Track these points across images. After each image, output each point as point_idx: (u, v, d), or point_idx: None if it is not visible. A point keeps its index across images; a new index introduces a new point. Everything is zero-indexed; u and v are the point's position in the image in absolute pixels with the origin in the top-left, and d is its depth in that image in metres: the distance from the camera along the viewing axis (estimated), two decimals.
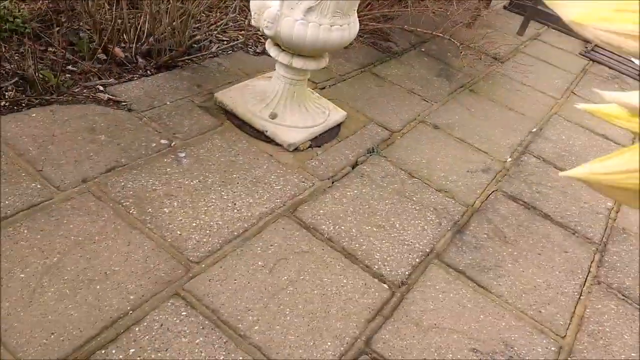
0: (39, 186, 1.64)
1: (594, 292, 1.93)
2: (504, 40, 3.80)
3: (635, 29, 0.23)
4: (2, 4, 2.22)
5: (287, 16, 1.94)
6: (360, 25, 2.21)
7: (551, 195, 2.41)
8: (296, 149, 2.19)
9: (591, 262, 2.07)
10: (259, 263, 1.63)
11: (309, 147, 2.24)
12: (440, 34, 3.22)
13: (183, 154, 1.96)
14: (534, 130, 2.94)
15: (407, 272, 1.77)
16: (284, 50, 2.11)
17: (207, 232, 1.67)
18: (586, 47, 4.37)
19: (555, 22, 4.62)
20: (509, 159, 2.60)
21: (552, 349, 1.65)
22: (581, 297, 1.89)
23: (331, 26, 1.98)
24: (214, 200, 1.80)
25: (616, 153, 0.32)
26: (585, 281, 1.97)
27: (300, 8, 1.92)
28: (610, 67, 4.14)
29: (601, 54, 4.28)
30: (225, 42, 2.81)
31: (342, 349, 1.45)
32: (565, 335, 1.71)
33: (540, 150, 2.76)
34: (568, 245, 2.13)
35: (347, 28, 2.05)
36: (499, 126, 2.86)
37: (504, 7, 4.72)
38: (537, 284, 1.89)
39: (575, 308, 1.83)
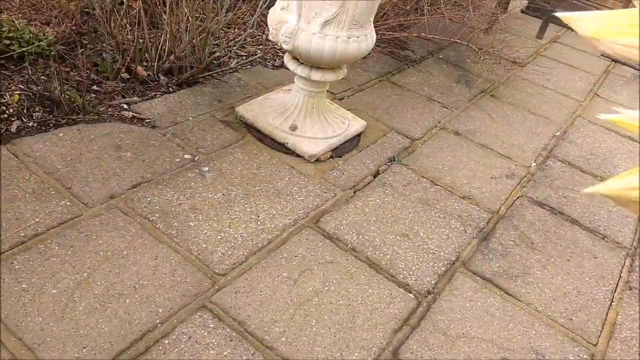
0: (68, 203, 1.68)
1: (625, 298, 1.88)
2: (523, 44, 3.77)
3: None
4: (27, 29, 2.30)
5: (304, 30, 1.96)
6: (376, 35, 2.22)
7: (578, 200, 2.36)
8: (317, 160, 2.20)
9: (622, 267, 2.02)
10: (284, 274, 1.63)
11: (329, 158, 2.25)
12: (458, 40, 3.21)
13: (206, 168, 1.99)
14: (558, 133, 2.89)
15: (432, 281, 1.75)
16: (302, 63, 2.13)
17: (232, 244, 1.69)
18: None
19: None
20: (534, 164, 2.56)
21: (584, 357, 1.61)
22: (612, 303, 1.84)
23: (348, 38, 1.99)
24: (237, 213, 1.82)
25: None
26: (617, 287, 1.92)
27: (317, 22, 1.94)
28: (633, 67, 4.06)
29: None
30: (244, 57, 2.85)
31: (369, 359, 1.44)
32: (597, 343, 1.67)
33: (565, 154, 2.71)
34: (597, 251, 2.08)
35: (364, 39, 2.06)
36: (522, 131, 2.83)
37: (522, 11, 4.69)
38: (567, 290, 1.85)
39: (606, 315, 1.79)
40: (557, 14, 0.31)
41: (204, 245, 1.66)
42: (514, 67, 3.41)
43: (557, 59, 3.93)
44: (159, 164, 1.94)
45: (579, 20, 0.26)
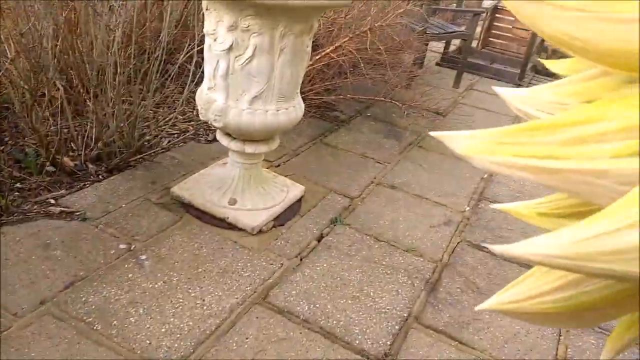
0: None
1: (572, 330, 1.95)
2: (442, 94, 4.02)
3: (510, 160, 0.25)
4: None
5: (233, 107, 2.00)
6: (306, 100, 2.30)
7: (513, 238, 2.47)
8: (260, 231, 2.19)
9: None
10: None
11: (272, 227, 2.24)
12: (382, 98, 3.38)
13: (144, 256, 1.92)
14: (485, 176, 3.05)
15: (388, 342, 1.74)
16: (235, 138, 2.16)
17: (178, 336, 1.61)
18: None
19: (486, 71, 4.94)
20: (467, 208, 2.67)
21: None
22: (560, 338, 1.90)
23: (277, 110, 2.04)
24: (181, 300, 1.75)
25: (523, 278, 0.30)
26: None
27: (245, 99, 1.98)
28: None
29: None
30: (175, 136, 2.84)
31: None
32: None
33: (494, 195, 2.86)
34: None
35: (294, 110, 2.12)
36: (452, 177, 2.96)
37: (437, 64, 5.03)
38: (516, 331, 1.89)
39: (557, 350, 1.84)
40: (431, 133, 0.32)
41: (148, 342, 1.57)
42: (436, 117, 3.61)
43: (475, 105, 4.22)
44: (93, 259, 1.85)
45: (453, 138, 0.27)
